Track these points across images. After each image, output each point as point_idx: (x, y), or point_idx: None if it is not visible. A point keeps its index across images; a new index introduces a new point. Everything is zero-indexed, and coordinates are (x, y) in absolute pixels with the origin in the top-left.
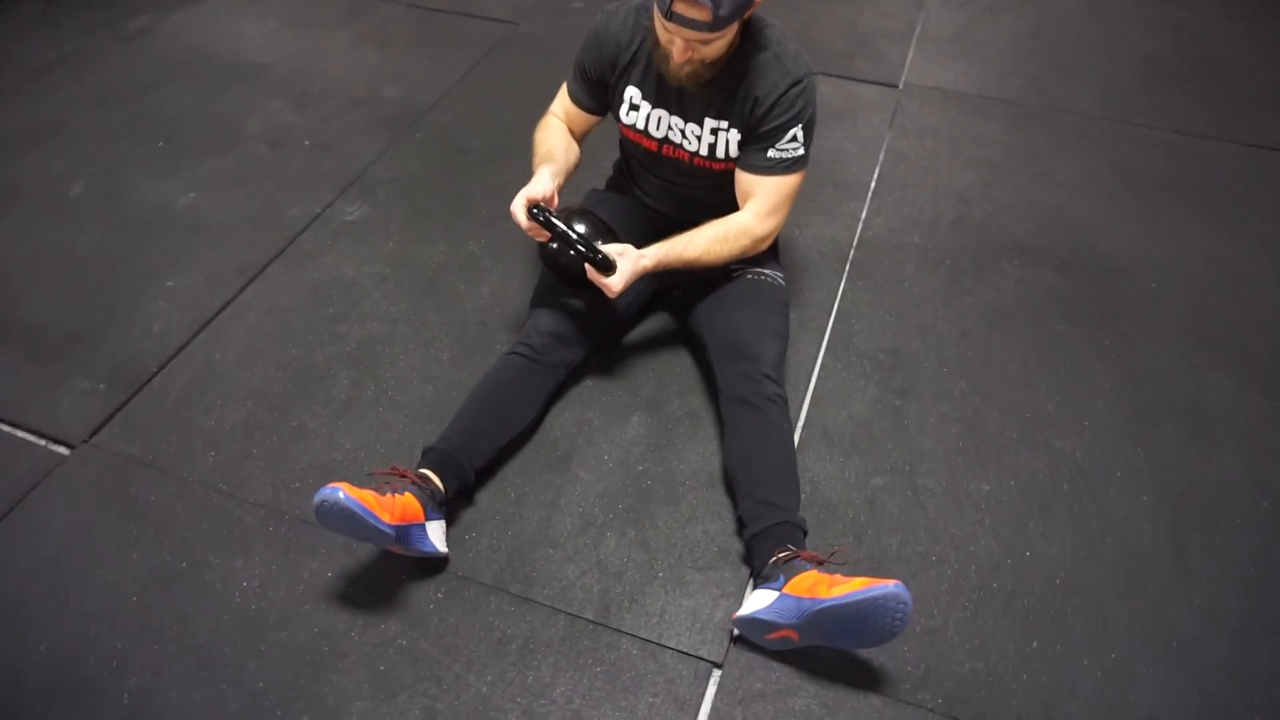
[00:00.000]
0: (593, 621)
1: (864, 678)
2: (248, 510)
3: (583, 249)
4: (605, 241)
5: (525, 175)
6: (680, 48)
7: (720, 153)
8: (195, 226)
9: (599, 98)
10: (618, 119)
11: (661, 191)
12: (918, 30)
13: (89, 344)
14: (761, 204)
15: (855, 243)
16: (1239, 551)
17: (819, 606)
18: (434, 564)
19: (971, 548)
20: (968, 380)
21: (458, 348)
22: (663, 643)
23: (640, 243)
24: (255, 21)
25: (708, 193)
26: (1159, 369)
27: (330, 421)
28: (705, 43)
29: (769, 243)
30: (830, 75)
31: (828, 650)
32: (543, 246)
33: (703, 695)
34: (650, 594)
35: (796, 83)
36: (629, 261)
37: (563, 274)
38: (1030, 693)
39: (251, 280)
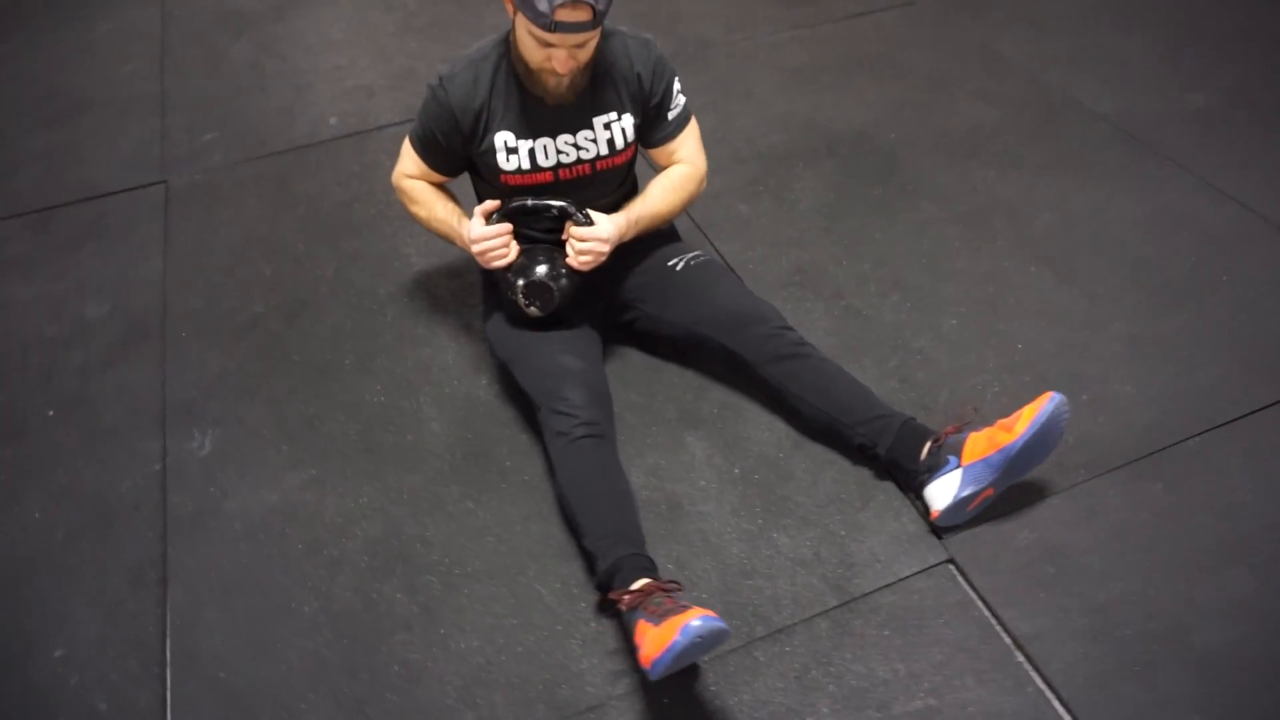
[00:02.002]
0: (840, 605)
1: (1043, 475)
2: None
3: (565, 206)
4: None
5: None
6: (563, 58)
7: (620, 144)
8: None
9: (459, 162)
10: (487, 177)
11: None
12: None
13: None
14: (688, 152)
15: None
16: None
17: (1014, 450)
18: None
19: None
20: (869, 263)
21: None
22: (900, 577)
23: (583, 283)
24: None
25: (609, 195)
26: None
27: None
28: (583, 45)
29: (705, 179)
30: None
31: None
32: (517, 279)
33: (964, 590)
34: (850, 551)
35: (651, 45)
36: (606, 217)
37: (540, 291)
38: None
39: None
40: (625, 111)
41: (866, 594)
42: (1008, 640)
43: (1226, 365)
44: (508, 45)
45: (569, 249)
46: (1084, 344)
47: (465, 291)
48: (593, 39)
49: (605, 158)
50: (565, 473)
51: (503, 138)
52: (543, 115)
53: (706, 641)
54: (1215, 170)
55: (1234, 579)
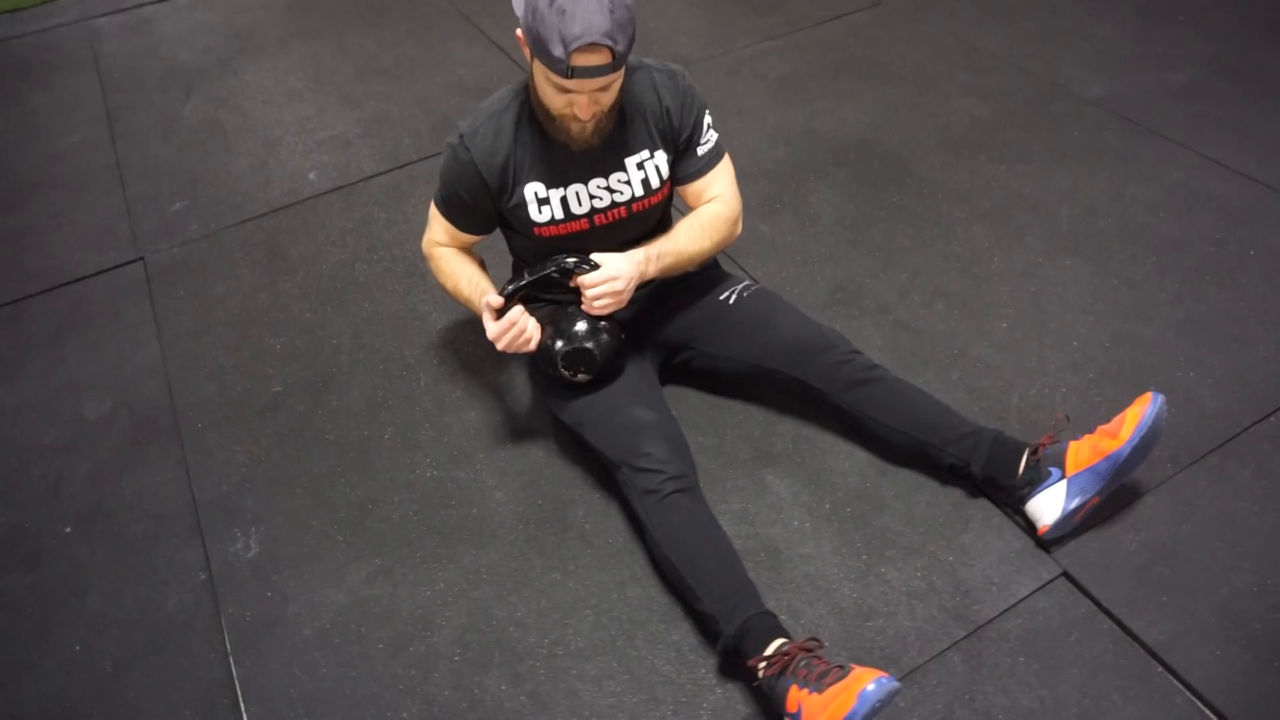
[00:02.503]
0: (967, 635)
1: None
2: None
3: (561, 266)
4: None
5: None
6: (584, 104)
7: (655, 183)
8: None
9: (489, 220)
10: (522, 231)
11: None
12: None
13: None
14: (721, 190)
15: None
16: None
17: (1123, 456)
18: None
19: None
20: (906, 272)
21: None
22: (1019, 598)
23: (631, 329)
24: None
25: (648, 235)
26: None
27: None
28: (605, 89)
29: (740, 221)
30: None
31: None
32: (554, 351)
33: (1086, 603)
34: (962, 577)
35: (680, 76)
36: (615, 255)
37: (580, 357)
38: None
39: None
40: (658, 149)
41: (990, 620)
42: (1142, 651)
43: (1277, 341)
44: (527, 93)
45: (584, 299)
46: (1136, 334)
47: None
48: (615, 81)
49: (640, 199)
50: (662, 532)
51: (533, 189)
52: (571, 161)
53: (884, 704)
54: (1213, 145)
55: None
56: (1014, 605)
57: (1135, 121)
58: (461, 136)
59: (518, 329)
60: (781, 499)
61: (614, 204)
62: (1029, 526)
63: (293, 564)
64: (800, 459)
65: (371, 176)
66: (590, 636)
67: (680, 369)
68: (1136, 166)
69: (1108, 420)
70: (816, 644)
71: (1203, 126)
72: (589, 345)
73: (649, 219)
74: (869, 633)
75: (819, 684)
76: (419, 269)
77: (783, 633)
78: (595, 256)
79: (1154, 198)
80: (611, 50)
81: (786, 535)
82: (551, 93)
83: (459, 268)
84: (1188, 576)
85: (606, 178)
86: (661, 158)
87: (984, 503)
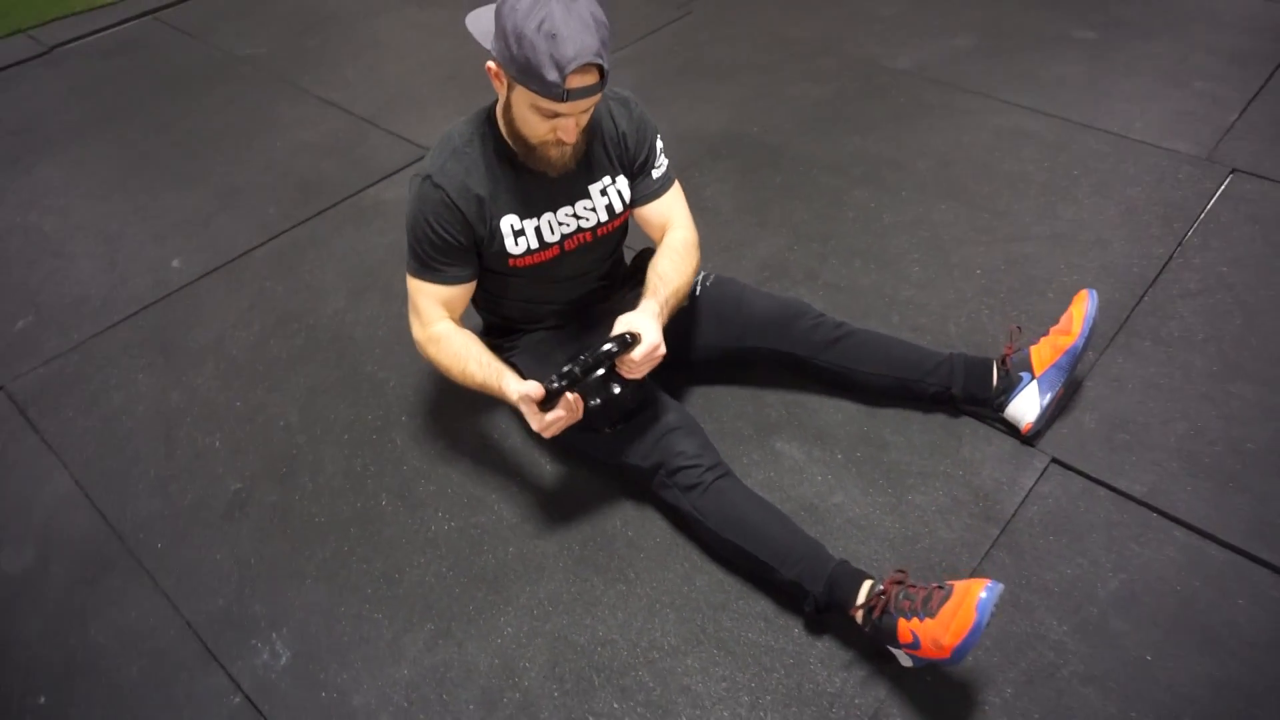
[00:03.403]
0: (1001, 533)
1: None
2: None
3: (613, 347)
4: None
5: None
6: (571, 127)
7: (617, 207)
8: None
9: (472, 258)
10: (494, 265)
11: (572, 291)
12: None
13: None
14: (678, 217)
15: None
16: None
17: (1079, 348)
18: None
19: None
20: (816, 241)
21: None
22: (1027, 489)
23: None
24: None
25: (608, 258)
26: None
27: None
28: (588, 109)
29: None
30: None
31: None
32: (598, 419)
33: (1079, 480)
34: (975, 485)
35: (631, 103)
36: (642, 318)
37: (624, 414)
38: None
39: None
40: (618, 174)
41: (1013, 514)
42: (1135, 504)
43: (1124, 236)
44: (490, 125)
45: (624, 368)
46: (1020, 253)
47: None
48: (597, 101)
49: (605, 224)
50: (717, 519)
51: (509, 222)
52: (542, 191)
53: (997, 607)
54: (1011, 92)
55: (1239, 393)
56: (1025, 497)
57: (945, 82)
58: (428, 176)
59: (568, 418)
60: (797, 461)
61: (580, 229)
62: (1010, 429)
63: (337, 656)
64: (798, 422)
65: (249, 251)
66: (679, 633)
67: (662, 366)
68: (961, 118)
69: (1043, 321)
70: (903, 574)
71: (997, 78)
72: (630, 406)
73: (612, 241)
74: (921, 553)
75: (926, 609)
76: (344, 333)
77: (865, 575)
78: (628, 326)
79: (985, 141)
80: (600, 69)
81: (815, 491)
82: (536, 120)
83: (463, 348)
84: (1142, 435)
85: (573, 204)
86: (622, 182)
87: (966, 419)
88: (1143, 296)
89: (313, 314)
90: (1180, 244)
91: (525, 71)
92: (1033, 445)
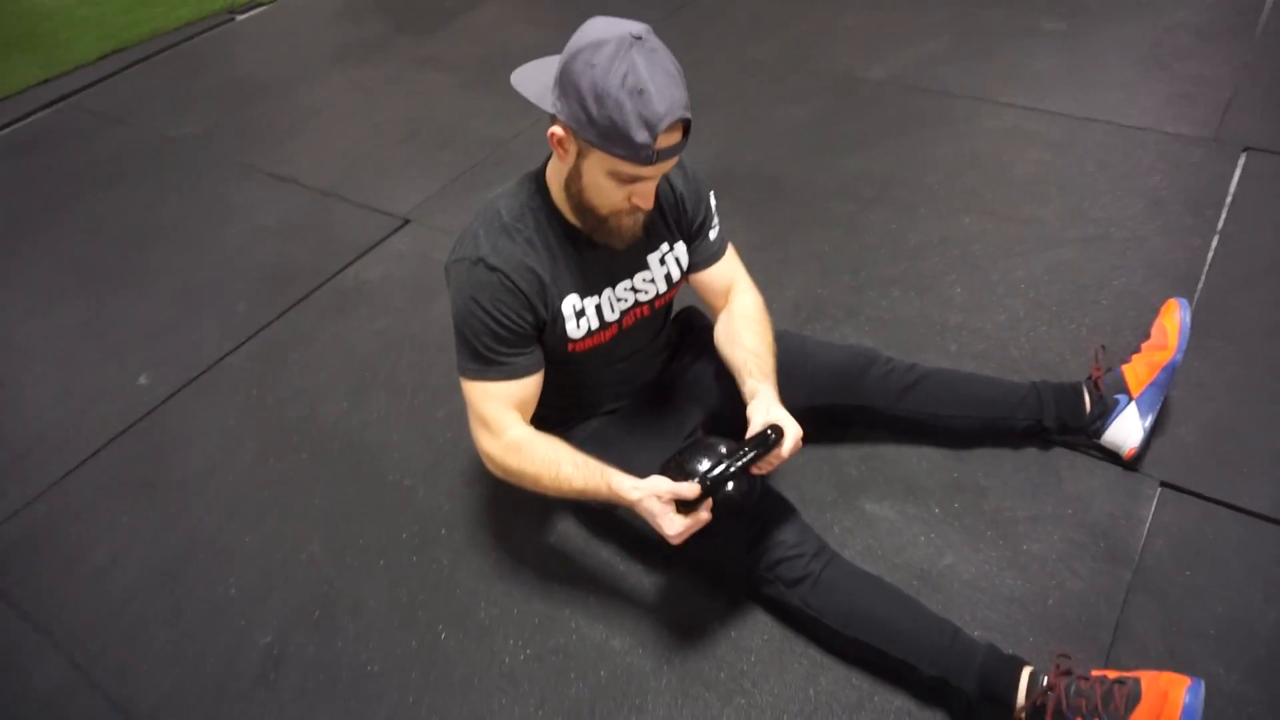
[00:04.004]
0: (1134, 574)
1: None
2: None
3: (760, 452)
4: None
5: None
6: (650, 191)
7: (676, 275)
8: None
9: (536, 343)
10: (551, 351)
11: (630, 370)
12: None
13: None
14: (741, 279)
15: None
16: None
17: (1177, 363)
18: None
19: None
20: (846, 273)
21: None
22: (1145, 520)
23: (672, 431)
24: None
25: (661, 330)
26: None
27: None
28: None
29: None
30: None
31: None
32: (725, 513)
33: (1196, 502)
34: (1090, 523)
35: (683, 160)
36: (776, 409)
37: (740, 511)
38: None
39: None
40: (676, 240)
41: (1141, 551)
42: (1260, 520)
43: (1158, 230)
44: (543, 196)
45: (765, 465)
46: (1060, 260)
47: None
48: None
49: (664, 294)
50: (836, 615)
51: (570, 303)
52: (601, 266)
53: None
54: (998, 92)
55: None
56: (1147, 530)
57: (927, 89)
58: (481, 259)
59: (706, 519)
60: (892, 522)
61: (638, 303)
62: (1108, 455)
63: None
64: (882, 477)
65: (224, 357)
66: None
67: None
68: (955, 125)
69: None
70: (1068, 661)
71: (980, 79)
72: (752, 502)
73: (666, 312)
74: (1056, 609)
75: (1110, 712)
76: (354, 439)
77: (1020, 661)
78: (762, 414)
79: (988, 146)
80: (688, 124)
81: (922, 555)
82: (612, 187)
83: (552, 451)
84: (1247, 443)
85: (632, 278)
86: (681, 249)
87: (1059, 450)
88: (1198, 293)
89: (313, 422)
90: (1217, 233)
91: (608, 136)
92: (1136, 470)
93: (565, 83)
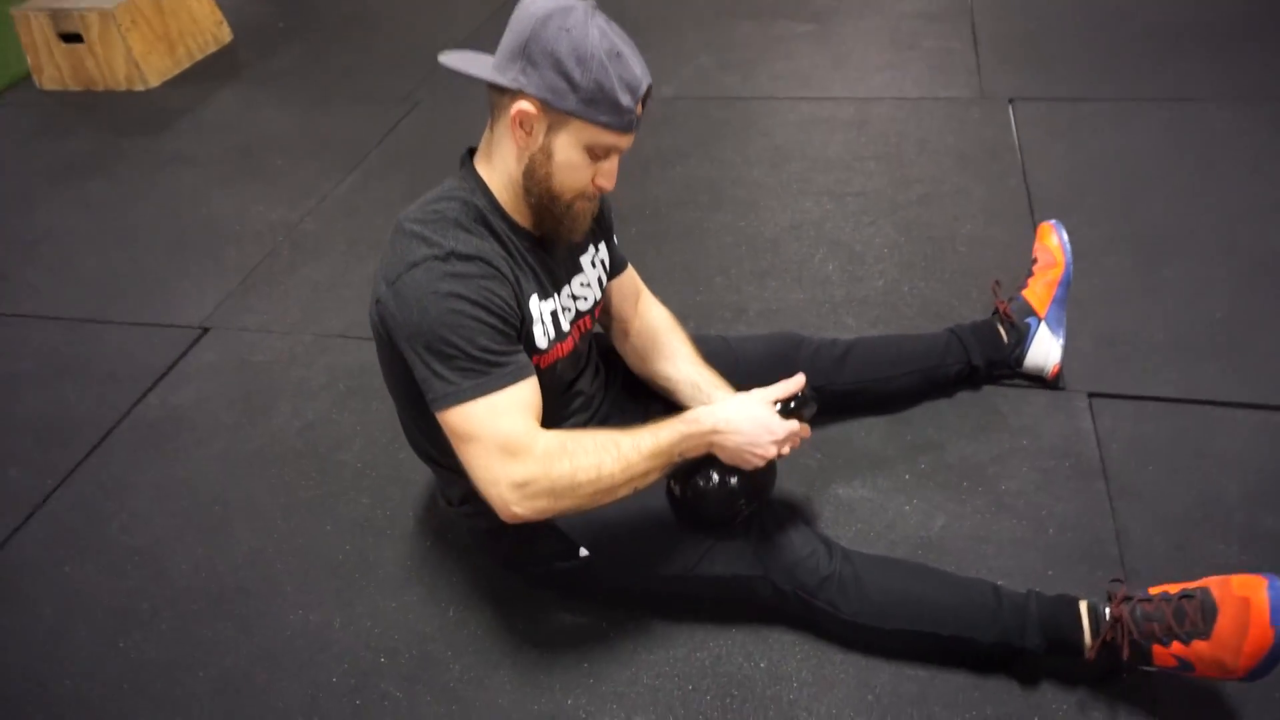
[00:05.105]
0: (1108, 482)
1: None
2: None
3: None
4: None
5: None
6: (614, 170)
7: (604, 279)
8: None
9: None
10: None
11: (570, 405)
12: None
13: None
14: (645, 289)
15: None
16: None
17: (1069, 274)
18: None
19: None
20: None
21: None
22: (1093, 430)
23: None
24: None
25: (591, 352)
26: None
27: None
28: None
29: None
30: None
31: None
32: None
33: (1125, 405)
34: (1050, 447)
35: None
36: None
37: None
38: None
39: None
40: (600, 240)
41: (1104, 459)
42: (1189, 405)
43: (975, 178)
44: (485, 195)
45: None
46: (908, 221)
47: (403, 586)
48: None
49: (599, 302)
50: (875, 610)
51: (535, 305)
52: (546, 269)
53: None
54: (782, 89)
55: (1170, 277)
56: (1097, 438)
57: (717, 97)
58: (451, 253)
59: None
60: (872, 500)
61: (579, 312)
62: (1032, 380)
63: None
64: (843, 459)
65: (9, 538)
66: None
67: None
68: (758, 122)
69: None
70: (1120, 585)
71: (760, 81)
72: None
73: (593, 331)
74: (1057, 537)
75: (1186, 628)
76: (229, 587)
77: (1069, 598)
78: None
79: (797, 136)
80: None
81: (916, 524)
82: (584, 164)
83: (596, 435)
84: (1134, 340)
85: (571, 283)
86: (604, 250)
87: (989, 389)
88: (1034, 224)
89: (165, 582)
90: (1022, 171)
91: (594, 101)
92: (1062, 389)
93: (536, 52)
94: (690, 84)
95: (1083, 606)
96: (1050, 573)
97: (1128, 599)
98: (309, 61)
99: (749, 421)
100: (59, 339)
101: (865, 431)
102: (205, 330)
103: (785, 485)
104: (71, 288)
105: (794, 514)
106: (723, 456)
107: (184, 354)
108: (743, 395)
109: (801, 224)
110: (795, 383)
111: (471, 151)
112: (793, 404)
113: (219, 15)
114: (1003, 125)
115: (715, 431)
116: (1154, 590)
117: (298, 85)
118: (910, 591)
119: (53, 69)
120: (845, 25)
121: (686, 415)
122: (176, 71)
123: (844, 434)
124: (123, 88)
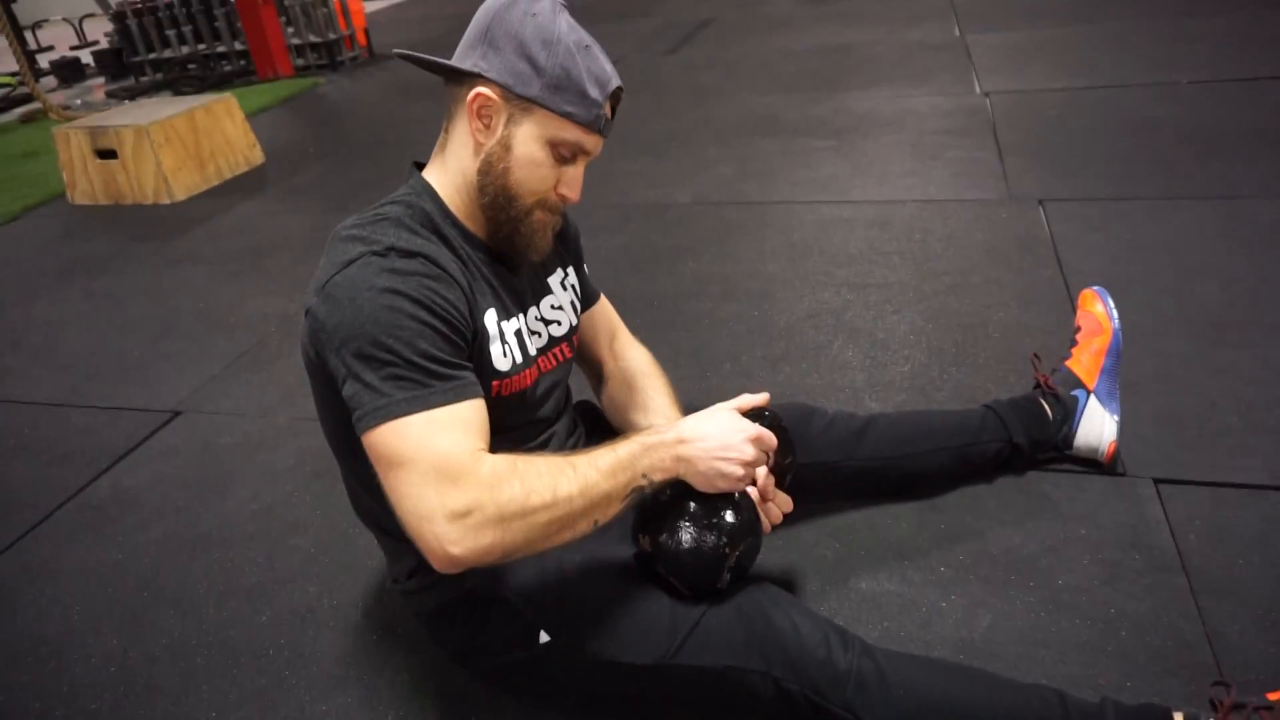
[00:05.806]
0: (1188, 577)
1: None
2: None
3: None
4: None
5: None
6: (579, 179)
7: (578, 304)
8: None
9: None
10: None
11: (545, 420)
12: None
13: None
14: (623, 329)
15: None
16: None
17: (1119, 340)
18: None
19: None
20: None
21: None
22: (1164, 520)
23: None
24: None
25: (567, 394)
26: None
27: None
28: None
29: None
30: None
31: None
32: (731, 545)
33: (1193, 491)
34: (1111, 539)
35: None
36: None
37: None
38: None
39: None
40: (568, 264)
41: (1181, 553)
42: (1272, 490)
43: (1006, 271)
44: (434, 200)
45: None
46: (936, 309)
47: (335, 687)
48: None
49: (574, 330)
50: (905, 711)
51: (491, 320)
52: (509, 287)
53: None
54: (802, 193)
55: (1234, 358)
56: (1174, 529)
57: (736, 202)
58: (391, 248)
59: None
60: (901, 595)
61: (552, 339)
62: (1084, 464)
63: None
64: (864, 549)
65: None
66: None
67: None
68: (777, 221)
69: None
70: (1228, 691)
71: (780, 188)
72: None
73: (570, 366)
74: (1133, 640)
75: None
76: (139, 684)
77: (1156, 708)
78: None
79: (817, 234)
80: (619, 98)
81: (953, 622)
82: (546, 163)
83: (540, 461)
84: (1198, 423)
85: (539, 304)
86: (573, 274)
87: (1036, 474)
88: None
89: (63, 679)
90: (1059, 261)
91: (559, 86)
92: (1121, 474)
93: (499, 35)
94: (706, 191)
95: (1178, 718)
96: (1129, 684)
97: (1239, 706)
98: (331, 176)
99: (715, 425)
100: (24, 421)
101: (891, 518)
102: (176, 414)
103: (793, 576)
104: (52, 373)
105: (801, 599)
106: (693, 476)
107: (148, 436)
108: (705, 410)
109: (819, 313)
110: (759, 397)
111: (420, 166)
112: (765, 415)
113: (253, 139)
114: (1033, 222)
115: (681, 441)
116: (1274, 696)
117: (316, 195)
118: (950, 696)
119: (85, 184)
120: (866, 140)
121: (647, 429)
122: (205, 188)
123: (866, 520)
124: (150, 201)
